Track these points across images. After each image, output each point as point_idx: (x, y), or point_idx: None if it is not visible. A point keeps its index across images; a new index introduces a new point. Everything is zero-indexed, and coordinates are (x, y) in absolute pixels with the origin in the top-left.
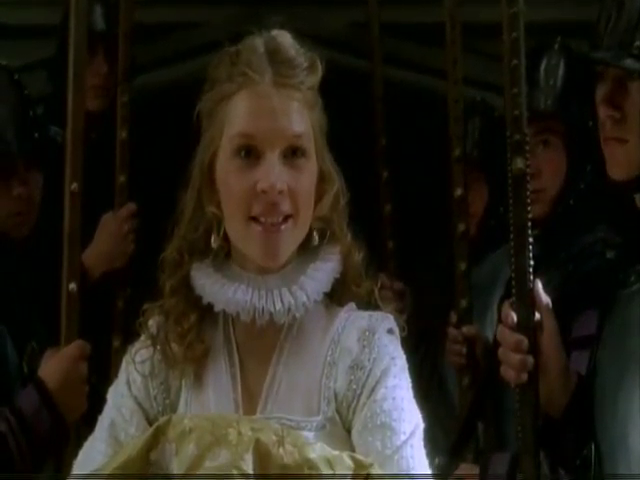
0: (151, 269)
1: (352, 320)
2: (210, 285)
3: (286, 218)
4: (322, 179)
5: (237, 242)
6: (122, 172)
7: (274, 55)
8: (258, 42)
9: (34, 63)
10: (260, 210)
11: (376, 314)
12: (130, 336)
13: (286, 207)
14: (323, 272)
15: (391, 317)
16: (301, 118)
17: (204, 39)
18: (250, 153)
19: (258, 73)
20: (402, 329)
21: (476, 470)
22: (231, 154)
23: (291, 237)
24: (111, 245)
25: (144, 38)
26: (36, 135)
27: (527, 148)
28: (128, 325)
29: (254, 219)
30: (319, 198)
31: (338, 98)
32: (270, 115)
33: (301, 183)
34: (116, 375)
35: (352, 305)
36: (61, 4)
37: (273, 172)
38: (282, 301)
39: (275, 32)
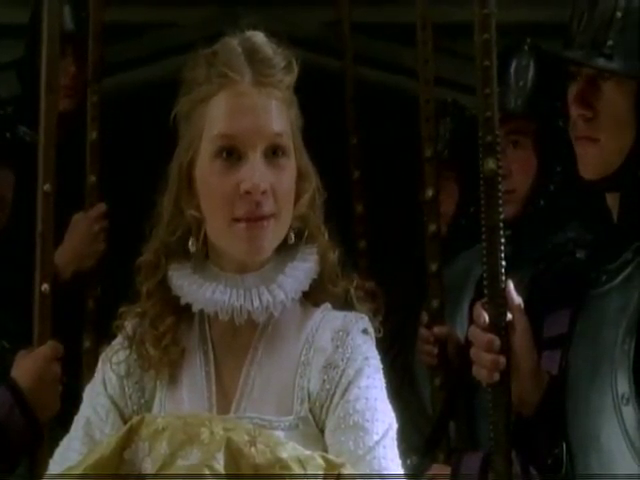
0: (122, 269)
1: (326, 320)
2: (188, 285)
3: (269, 217)
4: (300, 177)
5: (219, 242)
6: (92, 172)
7: (252, 55)
8: (234, 43)
9: (2, 64)
10: (243, 211)
11: (351, 314)
12: (101, 336)
13: (269, 207)
14: (301, 271)
15: (366, 317)
16: (281, 116)
17: (178, 40)
18: (232, 154)
19: (238, 73)
20: (377, 330)
21: (448, 470)
22: (212, 156)
23: (274, 233)
24: (82, 245)
25: (116, 38)
26: (8, 135)
27: (499, 149)
28: (99, 325)
29: (237, 219)
30: (298, 196)
31: (310, 97)
32: (251, 114)
33: (283, 182)
34: (87, 375)
35: (327, 305)
36: (27, 3)
37: (256, 172)
38: (260, 299)
39: (250, 33)
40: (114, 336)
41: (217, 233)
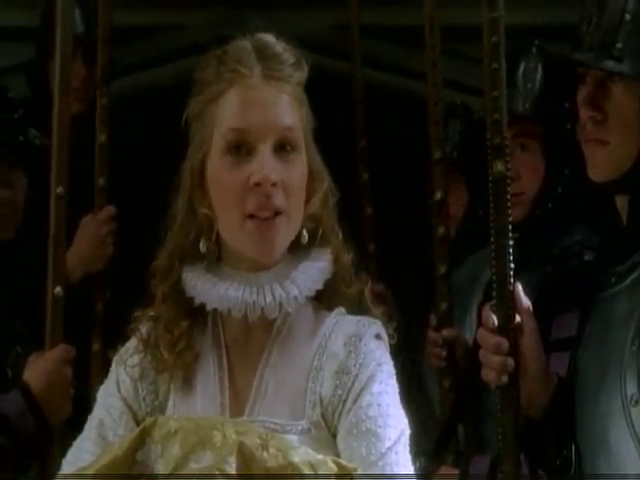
0: (130, 272)
1: (339, 325)
2: (201, 284)
3: (279, 213)
4: (312, 176)
5: (231, 240)
6: (101, 175)
7: (262, 51)
8: (245, 42)
9: (13, 66)
10: (254, 205)
11: (364, 319)
12: (110, 339)
13: (279, 201)
14: (315, 269)
15: (379, 322)
16: (291, 111)
17: (185, 42)
18: (241, 148)
19: (247, 68)
20: (391, 337)
21: (456, 472)
22: (223, 151)
23: (285, 232)
24: (90, 248)
25: (125, 41)
26: (21, 138)
27: (507, 151)
28: (107, 328)
29: (249, 216)
30: (309, 196)
31: (318, 100)
32: (260, 107)
33: (293, 177)
34: (96, 378)
35: (341, 310)
36: (37, 7)
37: (266, 164)
38: (273, 295)
39: (260, 34)
40: (124, 338)
41: (229, 232)
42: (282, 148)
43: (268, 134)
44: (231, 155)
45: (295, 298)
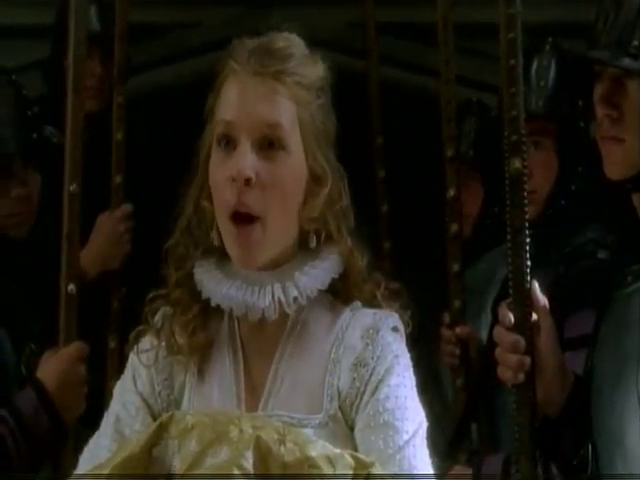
0: (146, 270)
1: (356, 318)
2: (207, 280)
3: (254, 218)
4: (312, 179)
5: (224, 239)
6: (118, 173)
7: (260, 47)
8: (251, 39)
9: (28, 64)
10: (232, 200)
11: (381, 312)
12: (126, 337)
13: (252, 201)
14: (319, 270)
15: (396, 315)
16: (280, 109)
17: (199, 40)
18: (230, 143)
19: (240, 63)
20: (407, 324)
21: (469, 471)
22: (215, 144)
23: (264, 238)
24: (107, 246)
25: (138, 39)
26: (34, 135)
27: (524, 148)
28: (124, 326)
29: (232, 218)
30: (308, 198)
31: (333, 98)
32: (245, 102)
33: (276, 176)
34: (112, 375)
35: (357, 303)
36: (53, 5)
37: (241, 159)
38: (273, 296)
39: (283, 33)
40: (139, 324)
41: (220, 228)
42: (269, 146)
43: (250, 129)
44: (221, 148)
45: (295, 300)
